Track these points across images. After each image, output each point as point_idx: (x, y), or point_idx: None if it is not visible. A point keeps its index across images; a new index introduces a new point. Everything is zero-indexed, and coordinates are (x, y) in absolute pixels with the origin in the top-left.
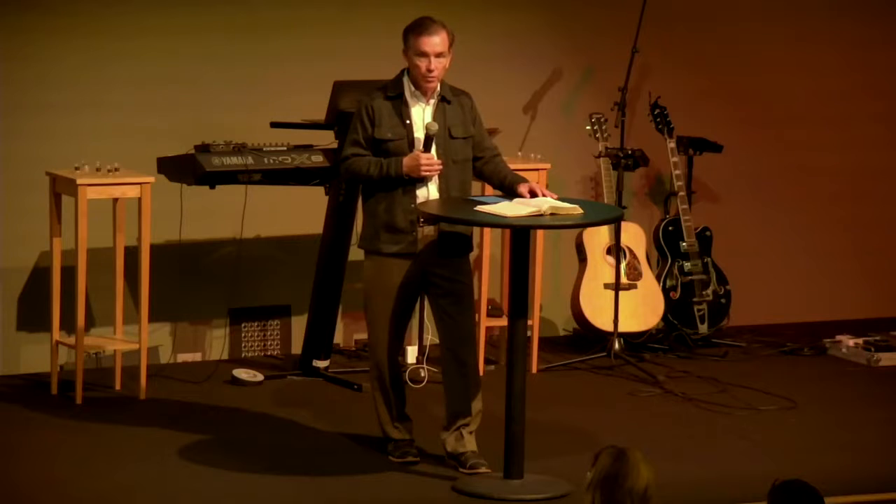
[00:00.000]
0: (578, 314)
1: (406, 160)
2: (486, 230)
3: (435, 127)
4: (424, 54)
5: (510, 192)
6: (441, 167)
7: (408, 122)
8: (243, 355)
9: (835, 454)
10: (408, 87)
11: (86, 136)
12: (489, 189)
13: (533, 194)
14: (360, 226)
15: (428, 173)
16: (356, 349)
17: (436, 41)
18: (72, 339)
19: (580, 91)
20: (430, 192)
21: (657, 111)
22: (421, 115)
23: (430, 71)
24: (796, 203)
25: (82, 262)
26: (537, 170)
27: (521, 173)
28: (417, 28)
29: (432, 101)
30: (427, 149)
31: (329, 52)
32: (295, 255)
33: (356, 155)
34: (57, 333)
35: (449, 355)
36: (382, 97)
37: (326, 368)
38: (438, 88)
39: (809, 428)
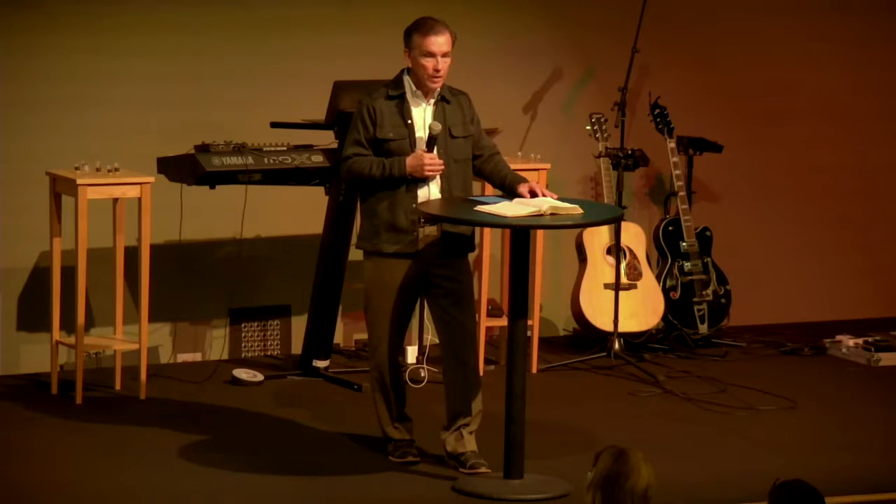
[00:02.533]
0: (578, 314)
1: (409, 160)
2: (486, 230)
3: (438, 127)
4: (431, 54)
5: (510, 192)
6: (443, 167)
7: (409, 122)
8: (243, 355)
9: (835, 454)
10: (409, 87)
11: (86, 136)
12: (489, 189)
13: (533, 194)
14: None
15: (431, 173)
16: (356, 349)
17: (442, 41)
18: (72, 339)
19: (580, 91)
20: (431, 192)
21: (657, 111)
22: (422, 115)
23: (437, 71)
24: (796, 203)
25: (82, 261)
26: (537, 170)
27: (521, 173)
28: (423, 28)
29: (432, 101)
30: (430, 148)
31: (329, 51)
32: (295, 255)
33: (357, 155)
34: (57, 333)
35: (449, 355)
36: (383, 97)
37: (326, 368)
38: (438, 88)
39: (809, 428)
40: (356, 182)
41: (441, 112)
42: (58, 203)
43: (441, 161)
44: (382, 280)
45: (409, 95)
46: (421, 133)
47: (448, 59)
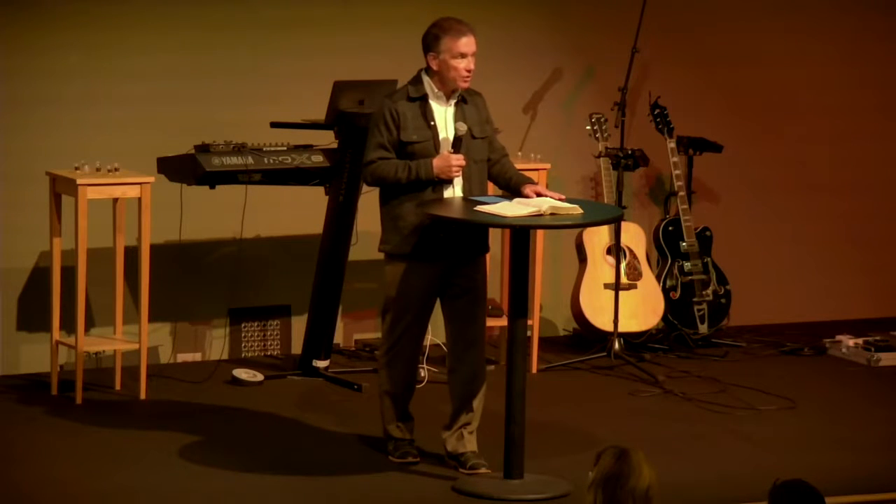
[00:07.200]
0: (578, 314)
1: (436, 161)
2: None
3: (464, 128)
4: (464, 56)
5: (515, 192)
6: (464, 167)
7: (432, 123)
8: (243, 355)
9: (835, 454)
10: (430, 89)
11: (86, 136)
12: (491, 188)
13: (538, 196)
14: (361, 226)
15: (458, 174)
16: (356, 349)
17: (472, 41)
18: (72, 339)
19: (580, 91)
20: (455, 194)
21: (657, 111)
22: (443, 116)
23: (469, 71)
24: (796, 203)
25: (82, 262)
26: (537, 170)
27: (520, 173)
28: (452, 32)
29: (452, 102)
30: (456, 149)
31: (329, 51)
32: (295, 255)
33: (382, 158)
34: (57, 333)
35: (459, 354)
36: (404, 99)
37: (326, 368)
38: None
39: (809, 428)
40: (380, 185)
41: (461, 113)
42: (58, 203)
43: (465, 161)
44: (406, 283)
45: (430, 97)
46: (444, 134)
47: (475, 58)
